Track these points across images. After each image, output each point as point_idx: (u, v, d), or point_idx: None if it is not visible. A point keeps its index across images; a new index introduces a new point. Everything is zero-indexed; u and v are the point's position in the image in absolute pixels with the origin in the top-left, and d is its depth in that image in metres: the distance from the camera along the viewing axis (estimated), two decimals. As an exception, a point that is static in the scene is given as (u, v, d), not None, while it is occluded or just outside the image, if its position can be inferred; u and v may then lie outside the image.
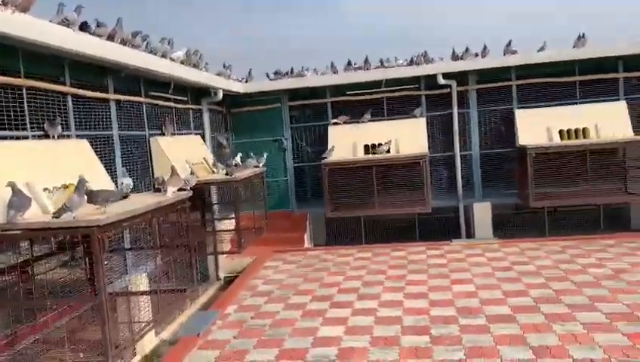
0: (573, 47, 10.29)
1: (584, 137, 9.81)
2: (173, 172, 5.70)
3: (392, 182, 10.31)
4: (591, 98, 10.29)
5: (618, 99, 10.25)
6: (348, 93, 11.15)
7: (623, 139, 9.53)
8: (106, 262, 4.38)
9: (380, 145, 10.25)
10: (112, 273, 5.79)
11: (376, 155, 10.18)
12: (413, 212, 10.63)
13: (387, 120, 10.94)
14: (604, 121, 9.82)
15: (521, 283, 7.03)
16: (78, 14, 5.41)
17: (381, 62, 11.18)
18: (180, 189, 5.70)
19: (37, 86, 5.27)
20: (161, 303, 5.59)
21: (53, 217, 4.09)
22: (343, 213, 10.50)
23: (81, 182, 4.27)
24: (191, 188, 5.99)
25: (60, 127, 5.32)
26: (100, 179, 5.42)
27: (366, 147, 10.50)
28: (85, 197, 4.22)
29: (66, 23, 5.23)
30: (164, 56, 7.74)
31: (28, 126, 5.15)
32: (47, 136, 5.30)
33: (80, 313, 5.27)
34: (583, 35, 10.20)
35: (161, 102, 8.29)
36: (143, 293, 5.64)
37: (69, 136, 5.75)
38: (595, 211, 10.92)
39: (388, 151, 10.21)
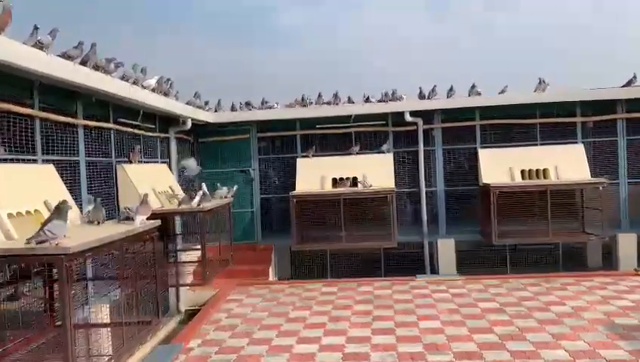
0: (535, 90, 10.75)
1: (544, 178, 10.16)
2: (144, 200, 5.59)
3: (359, 217, 10.38)
4: (551, 140, 10.74)
5: (576, 142, 10.72)
6: (318, 126, 11.27)
7: (580, 181, 9.93)
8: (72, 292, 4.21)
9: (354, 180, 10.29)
10: (73, 302, 5.57)
11: (344, 189, 10.25)
12: (379, 246, 10.70)
13: (355, 154, 11.07)
14: (563, 162, 10.23)
15: (485, 320, 7.10)
16: (52, 38, 5.33)
17: (349, 98, 11.41)
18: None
19: (3, 108, 5.12)
20: (121, 336, 5.39)
21: (30, 243, 3.89)
22: (310, 246, 10.47)
23: (65, 207, 4.13)
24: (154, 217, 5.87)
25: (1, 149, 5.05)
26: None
27: (334, 180, 10.57)
28: (68, 222, 4.07)
29: (39, 45, 5.14)
30: (136, 83, 7.66)
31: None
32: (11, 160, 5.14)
33: (34, 346, 5.02)
34: (543, 80, 10.68)
35: (129, 130, 8.18)
36: (106, 325, 5.42)
37: (35, 161, 5.58)
38: (554, 249, 11.25)
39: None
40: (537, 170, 10.25)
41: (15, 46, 4.87)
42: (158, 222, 5.65)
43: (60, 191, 5.43)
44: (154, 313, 5.83)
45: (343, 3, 35.04)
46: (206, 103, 11.21)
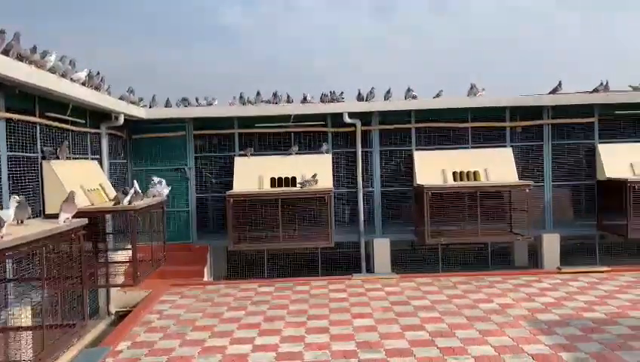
0: (467, 95, 11.14)
1: (475, 180, 10.54)
2: (69, 197, 5.34)
3: (297, 216, 10.39)
4: (482, 143, 11.16)
5: (505, 146, 11.19)
6: (257, 125, 11.18)
7: (508, 183, 10.37)
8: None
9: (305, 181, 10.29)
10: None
11: (282, 189, 10.23)
12: (316, 246, 10.75)
13: (295, 154, 11.05)
14: (493, 165, 10.66)
15: (417, 318, 7.28)
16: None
17: (287, 97, 11.39)
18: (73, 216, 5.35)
19: None
20: (46, 340, 5.13)
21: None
22: (247, 246, 10.38)
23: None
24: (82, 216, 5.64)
25: None
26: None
27: (272, 180, 10.53)
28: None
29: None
30: (64, 75, 7.32)
31: None
32: None
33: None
34: (474, 85, 11.09)
35: (57, 124, 7.81)
36: (24, 329, 5.15)
37: (-52, 155, 5.23)
38: (483, 249, 11.70)
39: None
40: (468, 172, 10.61)
41: None
42: (84, 221, 5.42)
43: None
44: (79, 315, 5.58)
45: (285, 3, 35.06)
46: (140, 100, 10.88)
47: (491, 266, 11.32)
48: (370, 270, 11.09)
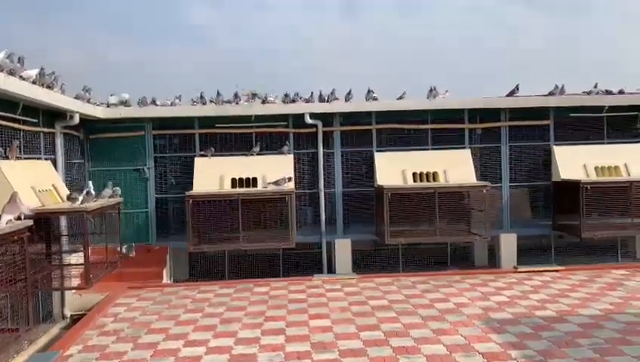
0: (427, 98, 11.26)
1: (434, 180, 10.67)
2: (11, 199, 5.19)
3: (258, 217, 10.33)
4: (441, 145, 11.30)
5: (464, 148, 11.36)
6: (217, 125, 11.09)
7: (466, 184, 10.53)
8: None
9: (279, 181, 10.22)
10: None
11: (242, 189, 10.16)
12: (277, 247, 10.71)
13: (256, 155, 10.97)
14: (452, 166, 10.80)
15: (374, 318, 7.32)
16: None
17: (252, 95, 11.32)
18: (17, 218, 5.20)
19: None
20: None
21: None
22: (207, 248, 10.28)
23: None
24: (30, 217, 5.49)
25: None
26: None
27: (233, 180, 10.45)
28: None
29: None
30: (12, 73, 7.11)
31: None
32: None
33: None
34: (434, 88, 11.21)
35: (6, 123, 7.59)
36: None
37: None
38: (443, 249, 11.85)
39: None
40: (428, 173, 10.74)
41: None
42: (28, 223, 5.27)
43: None
44: (24, 320, 5.43)
45: (247, 2, 34.88)
46: (100, 103, 10.67)
47: (451, 266, 11.49)
48: (331, 271, 11.11)
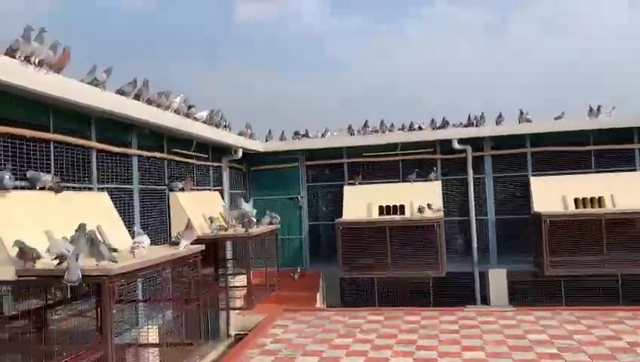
0: (588, 117, 10.45)
1: (599, 206, 9.77)
2: (188, 225, 5.87)
3: (407, 245, 10.31)
4: (606, 167, 10.35)
5: (635, 170, 10.28)
6: (364, 154, 11.40)
7: (639, 210, 9.48)
8: (115, 311, 4.48)
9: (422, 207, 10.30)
10: (123, 324, 5.87)
11: (390, 217, 10.25)
12: (426, 275, 10.56)
13: (402, 182, 11.03)
14: (620, 191, 9.81)
15: (533, 353, 6.87)
16: (108, 75, 5.79)
17: (392, 125, 11.50)
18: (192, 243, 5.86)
19: (64, 140, 5.59)
20: (168, 357, 5.61)
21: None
22: (357, 274, 10.50)
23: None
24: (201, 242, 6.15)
25: (46, 178, 5.13)
26: (116, 232, 5.60)
27: (381, 208, 10.60)
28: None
29: (95, 83, 5.61)
30: (187, 115, 8.10)
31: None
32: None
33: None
34: (599, 108, 10.35)
35: (182, 159, 8.61)
36: (150, 346, 5.69)
37: (90, 189, 6.01)
38: (612, 281, 10.70)
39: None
40: (592, 199, 9.87)
41: (73, 84, 5.34)
42: (201, 247, 5.91)
43: (111, 218, 5.80)
44: (198, 335, 6.04)
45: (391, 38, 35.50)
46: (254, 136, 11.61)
47: (622, 300, 10.31)
48: (485, 302, 10.65)
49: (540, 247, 9.69)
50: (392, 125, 11.48)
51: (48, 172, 5.35)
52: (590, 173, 10.44)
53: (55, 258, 4.19)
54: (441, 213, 10.23)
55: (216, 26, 35.82)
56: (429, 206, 10.20)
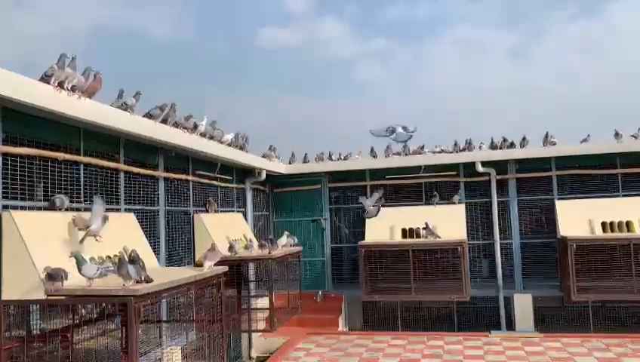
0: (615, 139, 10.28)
1: (628, 230, 9.57)
2: (212, 247, 5.95)
3: (430, 268, 10.22)
4: (634, 191, 10.15)
5: (664, 193, 10.06)
6: (387, 176, 11.40)
7: (670, 235, 9.25)
8: (140, 331, 4.54)
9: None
10: (148, 344, 5.93)
11: (412, 240, 10.19)
12: (450, 299, 10.43)
13: (435, 205, 10.93)
14: (650, 214, 9.60)
15: (560, 381, 6.73)
16: (136, 100, 5.97)
17: (421, 147, 11.47)
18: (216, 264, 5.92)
19: (93, 162, 5.75)
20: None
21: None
22: (379, 297, 10.42)
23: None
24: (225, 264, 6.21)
25: (67, 201, 5.15)
26: (142, 253, 5.69)
27: (404, 231, 10.55)
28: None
29: (124, 107, 5.78)
30: (212, 138, 8.25)
31: (82, 198, 5.58)
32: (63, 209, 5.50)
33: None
34: (618, 132, 10.19)
35: (207, 181, 8.75)
36: (173, 366, 5.72)
37: (118, 210, 6.15)
38: (643, 308, 10.42)
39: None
40: (620, 223, 9.66)
41: (103, 108, 5.52)
42: (224, 268, 5.97)
43: (137, 239, 5.91)
44: (220, 357, 6.05)
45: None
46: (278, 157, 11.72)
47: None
48: (510, 327, 10.44)
49: (566, 272, 9.50)
50: (422, 147, 11.44)
51: (78, 192, 5.50)
52: (617, 196, 10.25)
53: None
54: (465, 236, 10.12)
55: (240, 51, 36.45)
56: (447, 228, 10.11)
